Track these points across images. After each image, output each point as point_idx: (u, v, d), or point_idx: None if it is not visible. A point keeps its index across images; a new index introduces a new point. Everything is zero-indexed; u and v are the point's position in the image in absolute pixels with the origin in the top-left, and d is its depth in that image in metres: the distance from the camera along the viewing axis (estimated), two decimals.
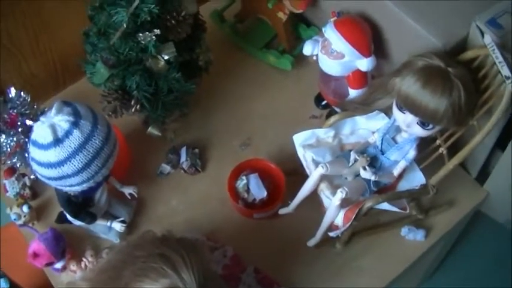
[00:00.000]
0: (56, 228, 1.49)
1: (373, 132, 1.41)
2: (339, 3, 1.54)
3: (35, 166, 1.25)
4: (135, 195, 1.50)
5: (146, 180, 1.60)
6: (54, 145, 1.19)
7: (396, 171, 1.37)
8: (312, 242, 1.43)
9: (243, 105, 1.72)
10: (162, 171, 1.62)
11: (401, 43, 1.45)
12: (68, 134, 1.19)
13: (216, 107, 1.72)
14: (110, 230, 1.49)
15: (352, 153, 1.38)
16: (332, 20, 1.46)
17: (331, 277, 1.47)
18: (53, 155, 1.20)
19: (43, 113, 1.30)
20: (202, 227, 1.53)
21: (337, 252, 1.49)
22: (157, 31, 1.36)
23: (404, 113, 1.27)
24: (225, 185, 1.52)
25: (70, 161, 1.20)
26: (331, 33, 1.43)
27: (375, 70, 1.47)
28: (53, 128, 1.19)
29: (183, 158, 1.62)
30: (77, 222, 1.45)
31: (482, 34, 1.27)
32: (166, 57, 1.42)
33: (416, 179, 1.39)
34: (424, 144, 1.37)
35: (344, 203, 1.32)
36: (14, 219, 1.52)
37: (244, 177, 1.52)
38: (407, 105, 1.24)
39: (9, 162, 1.45)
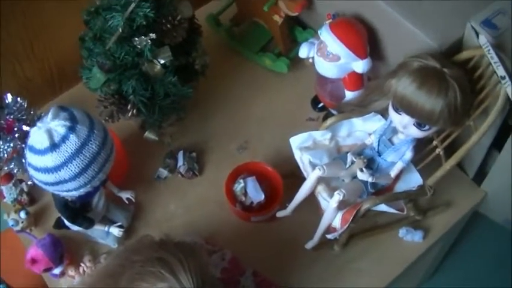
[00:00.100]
0: (54, 233, 1.49)
1: (370, 134, 1.41)
2: (335, 6, 1.54)
3: (31, 171, 1.25)
4: (133, 199, 1.50)
5: (144, 185, 1.60)
6: (50, 150, 1.19)
7: (393, 173, 1.37)
8: (310, 245, 1.43)
9: (240, 109, 1.72)
10: (160, 175, 1.62)
11: (396, 44, 1.45)
12: (64, 139, 1.19)
13: (213, 111, 1.72)
14: (108, 235, 1.49)
15: (349, 155, 1.38)
16: (327, 22, 1.46)
17: (329, 279, 1.47)
18: (49, 160, 1.20)
19: (40, 118, 1.31)
20: (200, 230, 1.52)
21: (335, 254, 1.49)
22: (153, 35, 1.36)
23: (400, 114, 1.27)
24: (223, 188, 1.52)
25: (67, 166, 1.20)
26: (326, 35, 1.43)
27: (370, 72, 1.48)
28: (50, 133, 1.19)
29: (180, 162, 1.62)
30: (75, 228, 1.45)
31: (477, 35, 1.27)
32: (162, 62, 1.42)
33: (414, 180, 1.39)
34: (420, 145, 1.37)
35: (341, 205, 1.32)
36: (12, 225, 1.52)
37: (241, 181, 1.52)
38: (404, 106, 1.24)
39: (6, 168, 1.45)
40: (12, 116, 1.41)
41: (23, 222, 1.53)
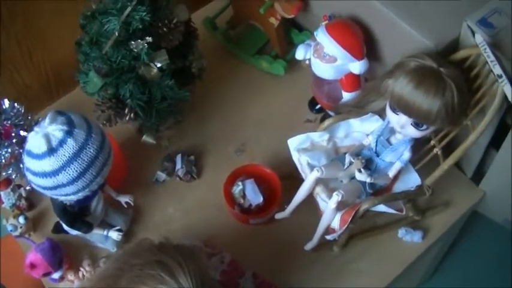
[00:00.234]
0: (53, 238, 1.49)
1: (368, 135, 1.41)
2: (330, 7, 1.54)
3: (29, 176, 1.25)
4: (131, 203, 1.50)
5: (142, 189, 1.60)
6: (48, 154, 1.19)
7: (391, 173, 1.37)
8: (309, 246, 1.43)
9: (237, 111, 1.72)
10: (158, 179, 1.62)
11: (393, 45, 1.45)
12: (62, 143, 1.19)
13: (210, 114, 1.72)
14: (107, 239, 1.48)
15: (347, 156, 1.38)
16: (324, 23, 1.46)
17: (329, 280, 1.47)
18: (47, 164, 1.20)
19: (37, 123, 1.31)
20: (199, 233, 1.52)
21: (335, 255, 1.49)
22: (149, 39, 1.36)
23: (398, 114, 1.28)
24: (221, 191, 1.52)
25: (65, 170, 1.20)
26: (323, 37, 1.43)
27: (367, 73, 1.48)
28: (47, 137, 1.19)
29: (179, 165, 1.62)
30: (74, 232, 1.45)
31: (474, 34, 1.27)
32: (159, 65, 1.42)
33: (412, 180, 1.39)
34: (418, 145, 1.37)
35: (340, 206, 1.32)
36: (11, 231, 1.52)
37: (240, 183, 1.52)
38: (401, 106, 1.24)
39: (4, 173, 1.44)
40: (9, 122, 1.40)
41: (21, 227, 1.52)
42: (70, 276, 1.48)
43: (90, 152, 1.22)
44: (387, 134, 1.36)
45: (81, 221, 1.40)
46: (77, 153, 1.20)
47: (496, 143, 1.43)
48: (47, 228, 1.54)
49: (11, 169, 1.43)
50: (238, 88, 1.76)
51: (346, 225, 1.30)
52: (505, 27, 1.28)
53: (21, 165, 1.40)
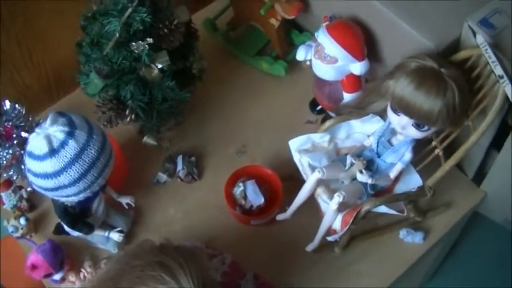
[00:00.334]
0: (54, 239, 1.49)
1: (369, 136, 1.41)
2: (331, 8, 1.54)
3: (31, 177, 1.25)
4: (132, 204, 1.50)
5: (143, 190, 1.60)
6: (50, 156, 1.19)
7: (393, 174, 1.37)
8: (310, 247, 1.43)
9: (238, 113, 1.72)
10: (159, 180, 1.62)
11: (394, 46, 1.45)
12: (63, 144, 1.19)
13: (211, 115, 1.72)
14: (108, 240, 1.48)
15: (348, 157, 1.38)
16: (324, 24, 1.47)
17: (330, 281, 1.47)
18: (49, 165, 1.20)
19: (38, 124, 1.31)
20: (200, 234, 1.52)
21: (336, 256, 1.49)
22: (150, 40, 1.36)
23: (399, 115, 1.27)
24: (222, 192, 1.52)
25: (66, 171, 1.20)
26: (323, 37, 1.43)
27: (368, 73, 1.48)
28: (49, 138, 1.19)
29: (180, 166, 1.62)
30: (75, 233, 1.45)
31: (475, 34, 1.27)
32: (159, 66, 1.42)
33: (413, 181, 1.39)
34: (419, 146, 1.37)
35: (341, 207, 1.31)
36: (12, 232, 1.52)
37: (241, 184, 1.52)
38: (402, 107, 1.24)
39: (5, 174, 1.45)
40: (10, 123, 1.41)
41: (22, 229, 1.52)
42: (71, 277, 1.48)
43: (92, 153, 1.22)
44: (388, 135, 1.36)
45: (83, 222, 1.40)
46: (79, 154, 1.20)
47: (497, 143, 1.43)
48: (48, 230, 1.54)
49: (12, 170, 1.44)
50: (239, 89, 1.76)
51: (347, 227, 1.30)
52: (506, 28, 1.28)
53: (23, 167, 1.40)
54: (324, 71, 1.47)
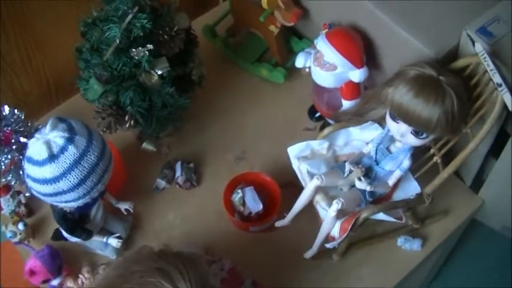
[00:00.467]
0: (52, 245, 1.49)
1: (367, 143, 1.42)
2: (330, 16, 1.55)
3: (30, 183, 1.25)
4: (131, 210, 1.50)
5: (142, 196, 1.60)
6: (49, 161, 1.19)
7: (391, 181, 1.37)
8: (308, 254, 1.43)
9: (237, 119, 1.72)
10: (158, 186, 1.62)
11: (393, 53, 1.46)
12: (63, 150, 1.20)
13: (210, 121, 1.72)
14: (107, 246, 1.48)
15: (347, 164, 1.38)
16: (324, 32, 1.47)
17: None
18: (48, 171, 1.20)
19: (37, 130, 1.31)
20: (198, 241, 1.52)
21: (334, 263, 1.49)
22: (150, 46, 1.36)
23: (397, 123, 1.28)
24: (221, 198, 1.52)
25: (65, 177, 1.20)
26: (323, 45, 1.44)
27: (367, 81, 1.48)
28: (48, 144, 1.19)
29: (178, 172, 1.62)
30: (73, 239, 1.44)
31: (473, 42, 1.28)
32: (159, 72, 1.42)
33: (412, 188, 1.39)
34: (418, 154, 1.37)
35: (340, 214, 1.32)
36: (10, 237, 1.52)
37: (239, 191, 1.52)
38: (401, 114, 1.25)
39: (4, 179, 1.44)
40: (9, 128, 1.40)
41: (21, 234, 1.52)
42: (69, 283, 1.48)
43: (91, 159, 1.22)
44: (387, 143, 1.37)
45: (81, 228, 1.40)
46: (78, 160, 1.20)
47: (495, 151, 1.43)
48: (47, 235, 1.54)
49: (10, 175, 1.43)
50: (238, 96, 1.76)
51: (345, 234, 1.30)
52: (504, 36, 1.28)
53: (21, 172, 1.40)
54: (323, 78, 1.48)
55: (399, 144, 1.35)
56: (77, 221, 1.38)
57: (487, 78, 1.27)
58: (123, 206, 1.49)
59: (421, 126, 1.24)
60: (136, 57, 1.37)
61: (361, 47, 1.45)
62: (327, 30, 1.48)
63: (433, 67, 1.22)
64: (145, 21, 1.33)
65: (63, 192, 1.22)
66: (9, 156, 1.40)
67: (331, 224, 1.33)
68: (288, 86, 1.76)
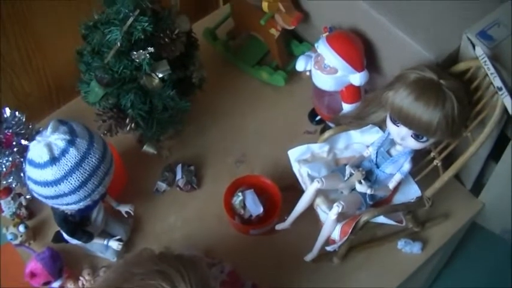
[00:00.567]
0: (53, 247, 1.49)
1: (368, 146, 1.42)
2: (331, 19, 1.55)
3: (31, 185, 1.25)
4: (132, 213, 1.50)
5: (142, 198, 1.60)
6: (50, 164, 1.19)
7: (392, 184, 1.37)
8: (309, 257, 1.43)
9: (237, 122, 1.73)
10: (158, 189, 1.62)
11: (393, 57, 1.46)
12: (64, 152, 1.20)
13: (210, 124, 1.72)
14: (107, 248, 1.48)
15: (347, 167, 1.38)
16: (324, 35, 1.47)
17: None
18: (49, 173, 1.20)
19: (38, 132, 1.31)
20: (199, 243, 1.52)
21: (335, 266, 1.49)
22: (151, 49, 1.36)
23: (398, 126, 1.28)
24: (221, 201, 1.52)
25: (67, 180, 1.20)
26: (323, 48, 1.44)
27: (368, 84, 1.48)
28: (49, 146, 1.19)
29: (179, 175, 1.62)
30: (74, 241, 1.44)
31: (474, 46, 1.28)
32: (160, 75, 1.42)
33: (412, 191, 1.39)
34: (418, 157, 1.37)
35: (340, 217, 1.32)
36: (11, 239, 1.52)
37: (240, 194, 1.52)
38: (401, 118, 1.25)
39: (4, 182, 1.45)
40: (10, 130, 1.41)
41: (21, 236, 1.52)
42: (70, 285, 1.48)
43: (92, 161, 1.23)
44: (387, 146, 1.37)
45: (82, 231, 1.40)
46: (79, 162, 1.21)
47: (495, 154, 1.43)
48: (47, 237, 1.54)
49: (11, 178, 1.44)
50: (239, 99, 1.77)
51: (346, 237, 1.30)
52: (504, 40, 1.28)
53: (22, 174, 1.41)
54: (323, 81, 1.48)
55: (399, 148, 1.35)
56: (77, 224, 1.38)
57: (487, 82, 1.27)
58: (124, 209, 1.49)
59: (421, 130, 1.24)
60: (137, 60, 1.37)
61: (361, 50, 1.45)
62: (327, 33, 1.48)
63: (433, 71, 1.22)
64: (147, 24, 1.33)
65: (64, 194, 1.22)
66: (10, 159, 1.40)
67: (332, 227, 1.33)
68: (289, 89, 1.76)
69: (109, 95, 1.44)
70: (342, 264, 1.49)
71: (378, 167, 1.38)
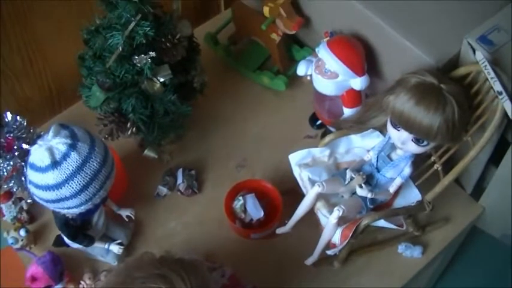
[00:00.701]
0: (54, 251, 1.49)
1: (368, 151, 1.42)
2: (331, 24, 1.55)
3: (32, 189, 1.25)
4: (133, 217, 1.50)
5: (143, 202, 1.60)
6: (52, 168, 1.19)
7: (392, 189, 1.38)
8: (310, 261, 1.43)
9: (238, 127, 1.73)
10: (159, 193, 1.62)
11: (394, 61, 1.46)
12: (65, 156, 1.20)
13: (211, 129, 1.72)
14: (108, 252, 1.48)
15: (348, 171, 1.38)
16: (325, 40, 1.48)
17: None
18: (51, 177, 1.20)
19: (39, 136, 1.31)
20: (200, 247, 1.53)
21: (335, 270, 1.49)
22: (152, 54, 1.37)
23: (399, 130, 1.28)
24: (222, 205, 1.53)
25: (68, 183, 1.20)
26: (324, 53, 1.44)
27: (368, 89, 1.49)
28: (51, 150, 1.20)
29: (180, 179, 1.62)
30: (75, 245, 1.45)
31: (474, 51, 1.29)
32: (161, 80, 1.43)
33: (412, 195, 1.39)
34: (419, 161, 1.38)
35: (341, 221, 1.32)
36: (11, 243, 1.52)
37: (241, 198, 1.52)
38: (402, 122, 1.25)
39: (6, 186, 1.45)
40: (11, 134, 1.41)
41: (22, 240, 1.52)
42: None
43: (94, 165, 1.23)
44: (388, 150, 1.37)
45: (83, 235, 1.40)
46: (81, 166, 1.21)
47: (495, 159, 1.44)
48: (48, 242, 1.54)
49: (12, 182, 1.44)
50: (240, 103, 1.77)
51: (346, 240, 1.31)
52: (504, 44, 1.29)
53: (23, 178, 1.41)
54: (324, 86, 1.48)
55: (400, 152, 1.35)
56: (78, 227, 1.38)
57: (487, 86, 1.27)
58: (125, 213, 1.50)
59: (422, 134, 1.25)
60: (139, 65, 1.38)
61: (362, 55, 1.45)
62: (328, 38, 1.49)
63: (434, 75, 1.23)
64: (148, 28, 1.34)
65: (66, 198, 1.23)
66: (11, 163, 1.40)
67: (332, 231, 1.34)
68: (290, 94, 1.77)
69: (110, 100, 1.44)
70: (343, 268, 1.49)
71: (378, 171, 1.38)
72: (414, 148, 1.30)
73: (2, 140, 1.41)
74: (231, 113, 1.75)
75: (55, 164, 1.20)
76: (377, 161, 1.38)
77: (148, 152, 1.60)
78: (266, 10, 1.63)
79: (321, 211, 1.37)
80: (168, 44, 1.41)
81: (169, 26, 1.42)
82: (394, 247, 1.52)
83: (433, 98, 1.20)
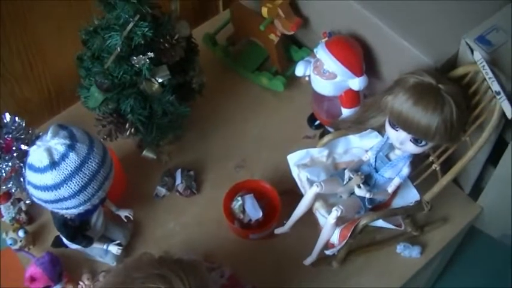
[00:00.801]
0: (53, 252, 1.49)
1: (367, 151, 1.42)
2: (330, 24, 1.55)
3: (31, 190, 1.25)
4: (131, 218, 1.50)
5: (142, 203, 1.60)
6: (50, 168, 1.19)
7: (390, 189, 1.38)
8: (308, 261, 1.43)
9: (237, 127, 1.73)
10: (158, 193, 1.62)
11: (392, 62, 1.46)
12: (64, 157, 1.20)
13: (210, 129, 1.73)
14: (107, 253, 1.49)
15: (346, 171, 1.39)
16: (323, 40, 1.48)
17: None
18: (49, 178, 1.20)
19: (38, 137, 1.31)
20: (198, 248, 1.53)
21: (334, 270, 1.49)
22: (151, 54, 1.36)
23: (397, 130, 1.28)
24: (221, 206, 1.53)
25: (66, 184, 1.20)
26: (322, 53, 1.44)
27: (367, 89, 1.49)
28: (49, 151, 1.20)
29: (178, 180, 1.62)
30: (73, 246, 1.45)
31: (472, 51, 1.29)
32: (160, 80, 1.42)
33: (411, 195, 1.40)
34: (417, 161, 1.38)
35: (339, 221, 1.32)
36: (10, 244, 1.52)
37: (239, 198, 1.52)
38: (400, 122, 1.25)
39: (4, 187, 1.45)
40: (10, 135, 1.41)
41: (21, 241, 1.52)
42: None
43: (92, 166, 1.23)
44: (386, 150, 1.37)
45: (82, 235, 1.40)
46: (79, 167, 1.21)
47: (493, 159, 1.44)
48: (47, 242, 1.54)
49: (11, 183, 1.44)
50: (238, 104, 1.77)
51: (345, 241, 1.31)
52: (503, 45, 1.29)
53: (22, 179, 1.41)
54: (322, 86, 1.48)
55: (398, 152, 1.35)
56: (77, 228, 1.38)
57: (485, 87, 1.27)
58: (123, 213, 1.50)
59: (420, 134, 1.25)
60: (137, 65, 1.38)
61: (360, 55, 1.46)
62: (326, 38, 1.49)
63: (432, 75, 1.23)
64: (147, 29, 1.34)
65: (64, 199, 1.23)
66: (10, 164, 1.40)
67: (331, 231, 1.34)
68: (288, 94, 1.77)
69: (109, 100, 1.44)
70: (341, 268, 1.49)
71: (376, 171, 1.38)
72: (412, 148, 1.30)
73: (1, 141, 1.40)
74: (230, 114, 1.75)
75: (53, 164, 1.20)
76: (375, 161, 1.38)
77: (146, 153, 1.60)
78: (264, 11, 1.63)
79: (320, 211, 1.37)
80: (166, 45, 1.40)
81: (168, 26, 1.42)
82: (392, 247, 1.52)
83: (431, 98, 1.20)
